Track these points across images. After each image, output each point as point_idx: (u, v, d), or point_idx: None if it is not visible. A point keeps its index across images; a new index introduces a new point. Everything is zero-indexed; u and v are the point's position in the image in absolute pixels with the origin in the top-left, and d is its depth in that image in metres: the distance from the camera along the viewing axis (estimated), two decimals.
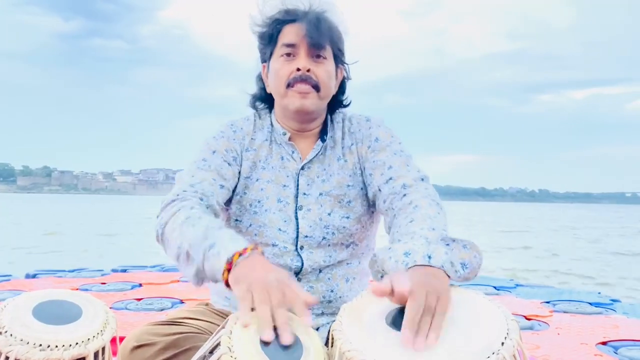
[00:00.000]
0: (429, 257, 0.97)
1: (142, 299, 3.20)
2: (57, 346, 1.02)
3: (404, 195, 1.25)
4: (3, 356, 0.99)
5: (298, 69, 1.34)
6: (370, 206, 1.40)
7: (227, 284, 1.01)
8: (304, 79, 1.34)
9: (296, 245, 1.35)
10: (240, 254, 1.01)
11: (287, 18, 1.38)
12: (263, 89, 1.48)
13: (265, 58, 1.44)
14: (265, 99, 1.49)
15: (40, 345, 1.01)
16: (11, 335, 1.01)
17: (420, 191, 1.24)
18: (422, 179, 1.29)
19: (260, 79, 1.49)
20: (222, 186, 1.32)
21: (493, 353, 0.80)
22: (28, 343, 1.00)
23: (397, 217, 1.22)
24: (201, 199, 1.25)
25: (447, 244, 1.01)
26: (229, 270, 1.01)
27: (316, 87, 1.35)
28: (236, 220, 1.39)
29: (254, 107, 1.51)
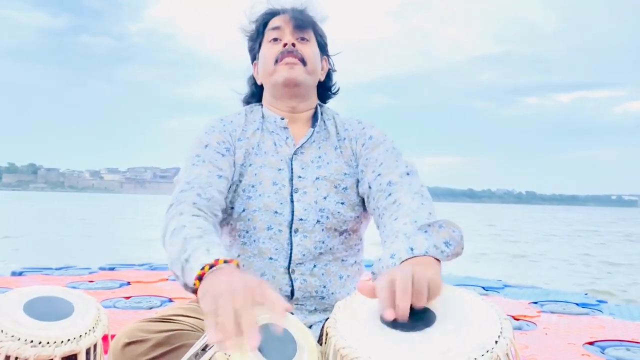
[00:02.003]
0: (411, 249, 1.02)
1: (130, 297, 3.18)
2: (48, 342, 1.01)
3: (389, 194, 1.28)
4: None
5: (284, 45, 1.43)
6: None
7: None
8: (290, 52, 1.43)
9: (290, 228, 1.36)
10: (210, 266, 0.98)
11: (272, 12, 1.49)
12: (254, 89, 1.55)
13: (255, 53, 1.52)
14: (257, 98, 1.55)
15: (32, 341, 1.00)
16: (2, 331, 1.00)
17: (404, 188, 1.28)
18: (408, 174, 1.33)
19: (252, 80, 1.56)
20: (219, 176, 1.34)
21: (487, 351, 0.80)
22: (19, 339, 1.00)
23: (382, 217, 1.26)
24: (199, 194, 1.26)
25: (425, 231, 1.05)
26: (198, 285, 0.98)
27: (302, 61, 1.44)
28: (230, 208, 1.39)
29: (247, 102, 1.57)
